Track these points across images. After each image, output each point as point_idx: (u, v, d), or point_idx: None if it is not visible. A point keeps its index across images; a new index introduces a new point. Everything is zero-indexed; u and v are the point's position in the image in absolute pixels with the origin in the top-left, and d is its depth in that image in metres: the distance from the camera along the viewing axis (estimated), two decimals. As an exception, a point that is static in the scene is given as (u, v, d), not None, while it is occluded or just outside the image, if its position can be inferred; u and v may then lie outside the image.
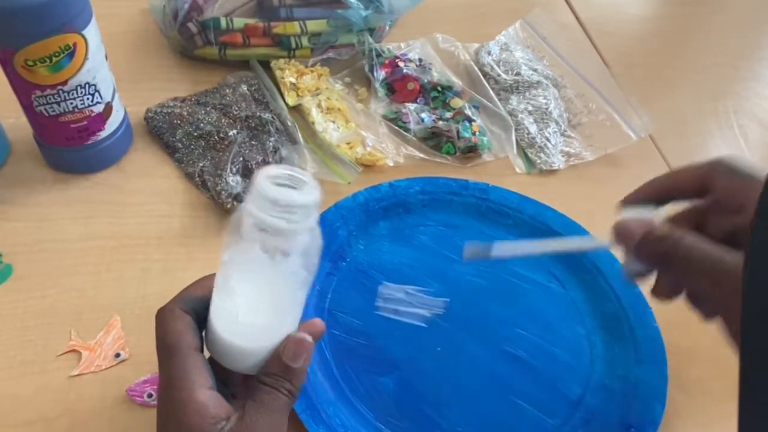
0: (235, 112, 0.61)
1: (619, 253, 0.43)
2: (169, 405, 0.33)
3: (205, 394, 0.33)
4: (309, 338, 0.35)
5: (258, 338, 0.35)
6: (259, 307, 0.35)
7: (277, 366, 0.34)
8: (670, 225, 0.38)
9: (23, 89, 0.51)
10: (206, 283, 0.36)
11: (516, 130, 0.65)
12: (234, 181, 0.55)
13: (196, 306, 0.36)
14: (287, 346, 0.35)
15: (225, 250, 0.35)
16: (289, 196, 0.31)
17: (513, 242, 0.45)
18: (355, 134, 0.63)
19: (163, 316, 0.35)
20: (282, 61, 0.67)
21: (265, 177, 0.32)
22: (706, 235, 0.39)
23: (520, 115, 0.67)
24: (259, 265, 0.34)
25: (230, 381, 0.38)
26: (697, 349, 0.51)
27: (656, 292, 0.41)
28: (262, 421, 0.33)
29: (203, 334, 0.36)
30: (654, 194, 0.42)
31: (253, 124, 0.61)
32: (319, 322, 0.37)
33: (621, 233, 0.39)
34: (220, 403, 0.33)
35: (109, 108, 0.55)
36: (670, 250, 0.36)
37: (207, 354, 0.36)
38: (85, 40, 0.49)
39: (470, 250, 0.45)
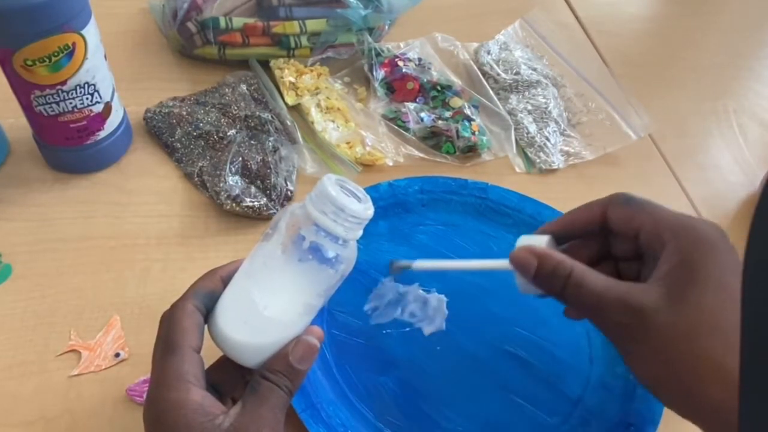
0: (234, 112, 0.61)
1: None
2: (161, 405, 0.33)
3: (199, 393, 0.33)
4: (317, 343, 0.36)
5: (274, 335, 0.35)
6: (282, 306, 0.35)
7: (283, 365, 0.35)
8: (562, 254, 0.39)
9: (22, 89, 0.51)
10: (216, 276, 0.37)
11: (515, 129, 0.65)
12: (233, 181, 0.55)
13: (206, 301, 0.36)
14: (296, 348, 0.35)
15: (259, 244, 0.36)
16: (356, 207, 0.33)
17: (433, 261, 0.46)
18: (354, 134, 0.63)
19: (173, 312, 0.35)
20: (281, 60, 0.67)
21: (334, 182, 0.33)
22: (613, 260, 0.42)
23: (519, 115, 0.67)
24: (289, 265, 0.34)
25: (223, 383, 0.38)
26: (697, 348, 0.51)
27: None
28: (266, 415, 0.33)
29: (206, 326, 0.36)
30: (555, 229, 0.42)
31: (252, 124, 0.61)
32: (317, 329, 0.37)
33: (517, 265, 0.39)
34: (213, 402, 0.33)
35: (108, 108, 0.55)
36: (563, 281, 0.37)
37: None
38: (84, 39, 0.49)
39: (395, 266, 0.47)
